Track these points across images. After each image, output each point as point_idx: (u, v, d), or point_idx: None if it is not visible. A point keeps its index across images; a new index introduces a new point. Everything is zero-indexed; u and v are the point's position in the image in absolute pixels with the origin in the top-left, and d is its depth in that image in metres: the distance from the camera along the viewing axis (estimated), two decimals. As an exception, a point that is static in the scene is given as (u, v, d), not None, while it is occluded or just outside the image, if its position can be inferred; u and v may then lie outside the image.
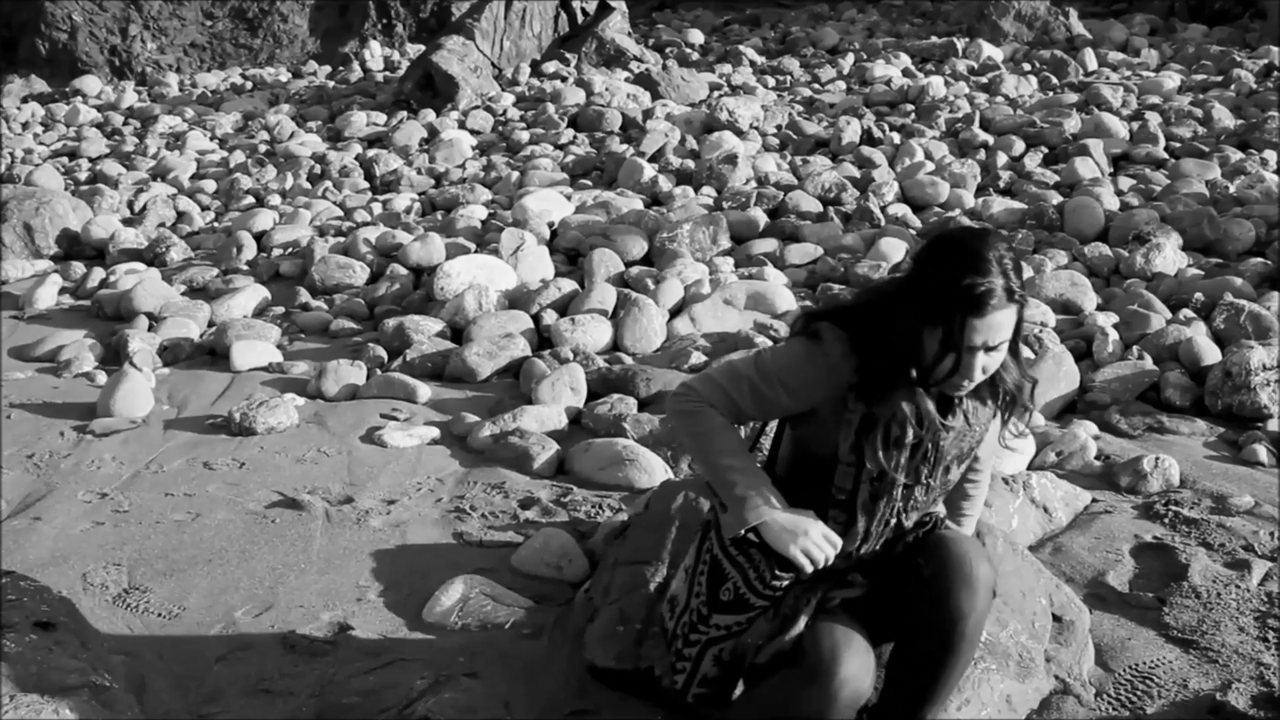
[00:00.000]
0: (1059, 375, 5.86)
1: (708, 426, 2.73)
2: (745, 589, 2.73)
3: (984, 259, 2.51)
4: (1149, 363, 6.00)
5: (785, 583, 2.70)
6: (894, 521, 2.77)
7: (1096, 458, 5.13)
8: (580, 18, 16.40)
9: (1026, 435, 2.84)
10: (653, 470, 4.95)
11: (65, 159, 13.84)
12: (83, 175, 12.82)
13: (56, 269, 9.19)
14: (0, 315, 8.02)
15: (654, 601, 3.32)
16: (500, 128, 12.97)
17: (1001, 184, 9.58)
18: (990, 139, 10.58)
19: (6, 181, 11.84)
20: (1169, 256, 7.50)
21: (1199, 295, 6.84)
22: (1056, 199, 8.80)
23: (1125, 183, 9.29)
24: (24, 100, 18.02)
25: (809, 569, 2.63)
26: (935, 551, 2.74)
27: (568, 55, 15.66)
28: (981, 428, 2.79)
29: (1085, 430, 5.36)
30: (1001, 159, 10.02)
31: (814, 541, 2.63)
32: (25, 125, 16.22)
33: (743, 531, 2.68)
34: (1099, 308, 6.91)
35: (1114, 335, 6.28)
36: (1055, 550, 4.16)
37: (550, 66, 15.34)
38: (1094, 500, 4.63)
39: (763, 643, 2.74)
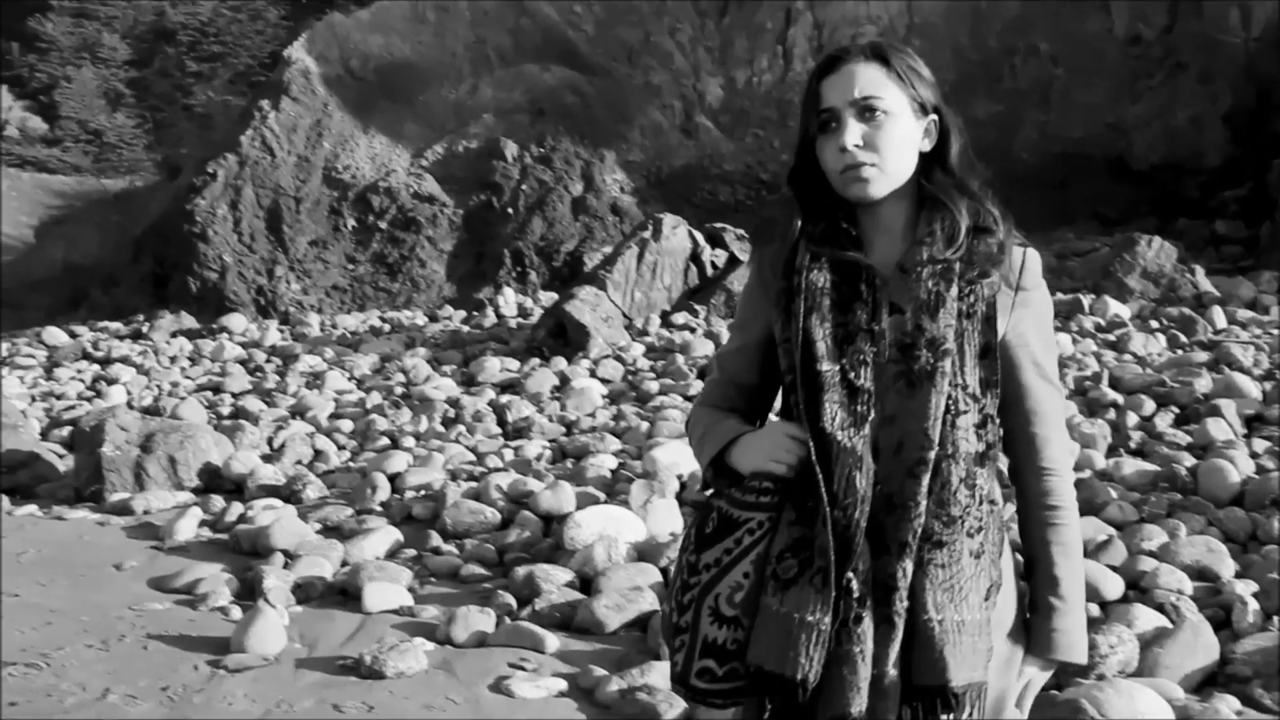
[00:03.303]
0: (1197, 646, 5.71)
1: (692, 424, 2.57)
2: (729, 506, 2.34)
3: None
4: (1291, 635, 5.84)
5: (769, 489, 2.31)
6: (866, 432, 2.25)
7: (1239, 735, 4.98)
8: (710, 270, 16.73)
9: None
10: (780, 732, 4.88)
11: (209, 393, 14.27)
12: (225, 410, 13.20)
13: (197, 501, 9.40)
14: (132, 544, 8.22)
15: None
16: (630, 377, 13.16)
17: (1132, 444, 9.45)
18: (1120, 398, 10.47)
19: (153, 414, 12.22)
20: (1308, 523, 7.34)
21: (1341, 565, 6.67)
22: (1189, 461, 8.65)
23: (1259, 444, 9.09)
24: (173, 335, 18.73)
25: (782, 470, 2.30)
26: None
27: (697, 306, 15.93)
28: (939, 276, 2.31)
29: (1227, 705, 5.20)
30: (1132, 419, 9.89)
31: (779, 444, 2.32)
32: (173, 359, 16.84)
33: (709, 468, 2.44)
34: (1237, 575, 6.72)
35: (1254, 604, 6.11)
36: (1198, 835, 4.04)
37: (679, 317, 15.60)
38: (1238, 782, 4.49)
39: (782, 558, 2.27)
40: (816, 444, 2.26)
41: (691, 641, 2.32)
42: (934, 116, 2.39)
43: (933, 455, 2.24)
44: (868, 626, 2.22)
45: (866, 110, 2.31)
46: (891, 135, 2.32)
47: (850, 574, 2.22)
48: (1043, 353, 2.41)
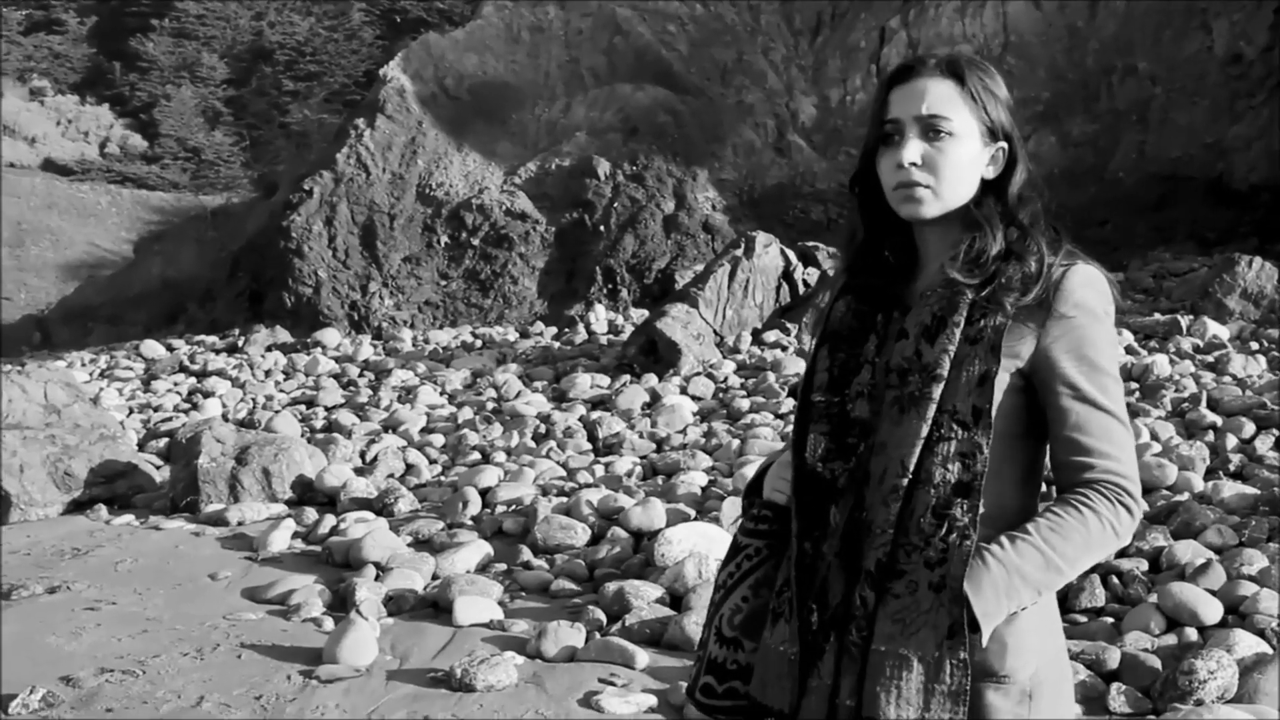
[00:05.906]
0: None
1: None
2: (738, 532, 2.46)
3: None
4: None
5: (767, 517, 2.40)
6: (856, 461, 2.24)
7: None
8: (801, 288, 16.65)
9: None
10: (873, 753, 4.83)
11: (303, 407, 14.45)
12: (318, 423, 13.34)
13: (290, 513, 9.49)
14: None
15: None
16: (721, 395, 13.10)
17: (1232, 467, 9.27)
18: (1219, 420, 10.26)
19: (248, 427, 12.37)
20: None
21: None
22: (1291, 485, 8.49)
23: (1363, 470, 8.94)
24: (268, 349, 18.99)
25: (781, 500, 2.36)
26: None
27: (788, 325, 15.85)
28: (946, 300, 2.23)
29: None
30: (1231, 441, 9.69)
31: (780, 474, 2.39)
32: (268, 373, 17.06)
33: (745, 494, 2.53)
34: (1340, 603, 6.60)
35: (1360, 635, 6.00)
36: None
37: (771, 335, 15.53)
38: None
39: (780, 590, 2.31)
40: (796, 475, 2.29)
41: (702, 657, 2.43)
42: (1003, 144, 2.29)
43: (905, 483, 2.17)
44: (829, 657, 2.20)
45: (931, 129, 2.22)
46: (953, 158, 2.23)
47: (813, 605, 2.22)
48: (1082, 376, 2.20)
